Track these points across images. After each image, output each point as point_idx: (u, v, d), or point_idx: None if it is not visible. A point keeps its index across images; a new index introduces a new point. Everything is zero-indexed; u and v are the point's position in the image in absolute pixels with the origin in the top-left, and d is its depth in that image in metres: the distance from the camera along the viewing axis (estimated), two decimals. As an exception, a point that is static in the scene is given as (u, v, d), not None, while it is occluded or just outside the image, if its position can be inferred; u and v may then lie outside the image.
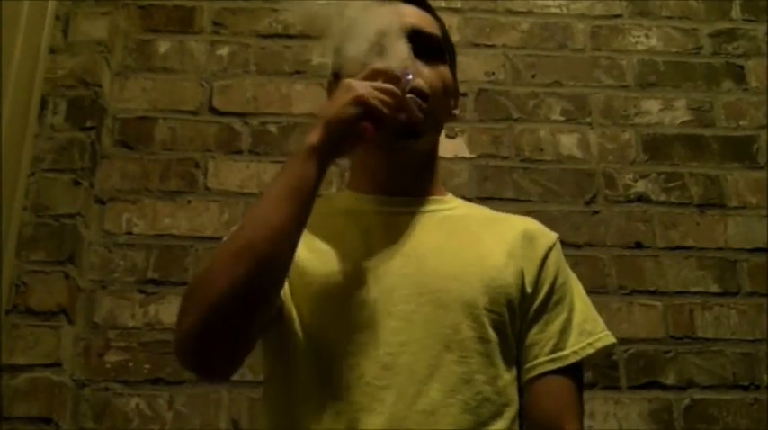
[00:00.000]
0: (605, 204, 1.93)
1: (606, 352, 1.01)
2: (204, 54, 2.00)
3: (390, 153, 1.02)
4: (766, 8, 2.17)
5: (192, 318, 0.84)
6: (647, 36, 2.13)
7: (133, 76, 1.97)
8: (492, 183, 1.93)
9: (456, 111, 1.12)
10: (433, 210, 1.05)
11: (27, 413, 1.55)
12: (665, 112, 2.05)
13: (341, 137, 0.92)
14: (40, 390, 1.57)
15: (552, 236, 1.06)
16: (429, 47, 1.04)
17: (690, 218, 1.94)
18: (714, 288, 1.87)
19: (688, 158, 2.00)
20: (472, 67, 2.00)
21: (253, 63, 2.00)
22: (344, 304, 0.94)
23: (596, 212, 1.92)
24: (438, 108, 1.03)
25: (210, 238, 1.81)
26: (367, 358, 0.91)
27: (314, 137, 0.91)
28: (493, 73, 2.04)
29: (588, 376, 1.11)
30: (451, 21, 2.01)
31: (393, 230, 1.01)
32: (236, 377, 1.67)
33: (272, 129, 1.94)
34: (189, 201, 1.85)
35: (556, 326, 0.99)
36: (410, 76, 0.95)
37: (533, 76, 2.05)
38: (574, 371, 0.98)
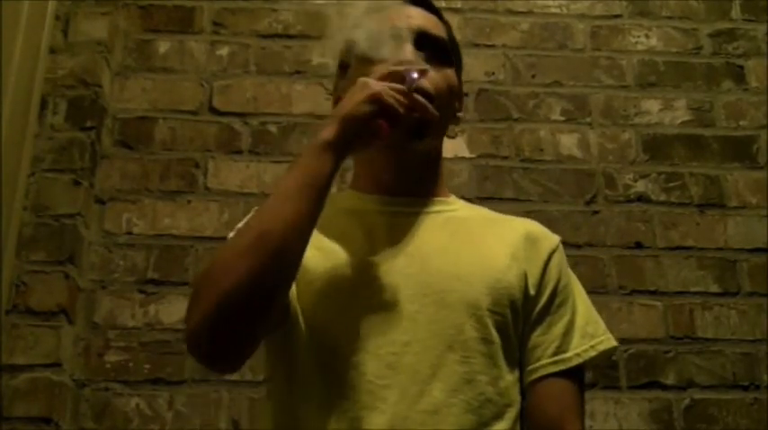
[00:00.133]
0: (605, 204, 1.93)
1: (608, 355, 1.02)
2: (204, 54, 2.00)
3: (395, 153, 1.02)
4: (766, 8, 2.17)
5: (204, 309, 0.84)
6: (647, 36, 2.13)
7: (133, 76, 1.97)
8: (492, 183, 1.93)
9: (460, 114, 1.12)
10: (437, 211, 1.05)
11: (27, 413, 1.55)
12: (665, 112, 2.05)
13: (355, 134, 0.92)
14: (40, 390, 1.57)
15: (555, 238, 1.06)
16: (435, 49, 1.04)
17: (690, 218, 1.94)
18: (714, 288, 1.87)
19: (688, 158, 2.00)
20: (472, 67, 2.00)
21: (253, 63, 2.00)
22: (348, 303, 0.95)
23: (596, 212, 1.92)
24: (443, 110, 1.03)
25: (210, 238, 1.81)
26: (370, 357, 0.91)
27: (328, 132, 0.91)
28: (493, 73, 2.04)
29: (588, 376, 1.11)
30: (452, 21, 1.99)
31: (397, 230, 1.01)
32: (236, 377, 1.69)
33: (272, 129, 1.94)
34: (189, 201, 1.85)
35: (559, 328, 0.99)
36: (415, 76, 0.95)
37: (533, 76, 2.05)
38: (576, 374, 0.99)
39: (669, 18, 2.15)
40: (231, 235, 0.99)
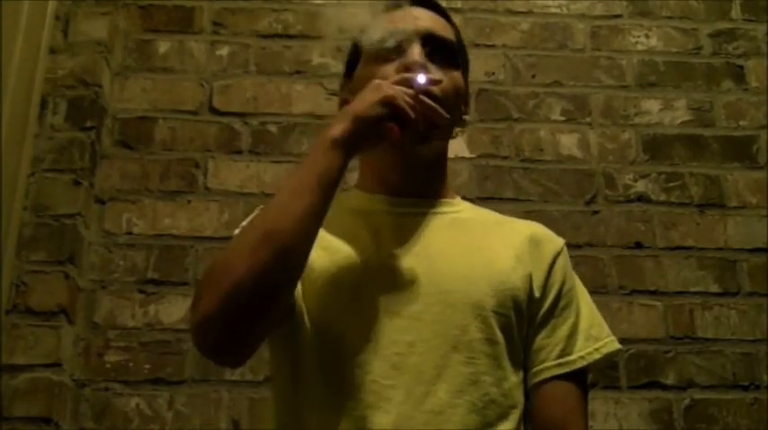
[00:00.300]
0: (605, 204, 1.93)
1: (611, 357, 1.02)
2: (204, 54, 2.00)
3: (402, 154, 1.02)
4: (766, 8, 2.17)
5: (212, 302, 0.84)
6: (647, 36, 2.13)
7: (133, 76, 1.97)
8: (492, 183, 1.93)
9: (466, 117, 1.12)
10: (443, 212, 1.06)
11: (27, 413, 1.55)
12: (665, 112, 2.05)
13: (365, 134, 0.92)
14: (40, 390, 1.57)
15: (559, 241, 1.06)
16: (442, 51, 1.04)
17: (690, 218, 1.94)
18: (714, 288, 1.87)
19: (688, 158, 2.00)
20: (472, 67, 1.98)
21: (253, 63, 2.00)
22: (353, 303, 0.95)
23: (596, 212, 1.92)
24: (450, 112, 1.02)
25: (210, 238, 1.81)
26: (375, 357, 0.91)
27: (338, 130, 0.91)
28: (493, 73, 2.04)
29: (588, 376, 1.12)
30: (451, 21, 2.01)
31: (403, 230, 1.01)
32: (236, 377, 1.69)
33: (272, 129, 1.94)
34: (189, 201, 1.85)
35: (563, 330, 0.99)
36: (423, 81, 0.95)
37: (533, 76, 2.05)
38: (580, 376, 0.99)
39: (669, 18, 2.15)
40: (237, 232, 0.99)
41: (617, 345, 1.02)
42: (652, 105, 2.05)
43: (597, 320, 1.03)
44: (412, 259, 0.97)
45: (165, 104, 1.94)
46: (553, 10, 2.13)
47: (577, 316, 1.01)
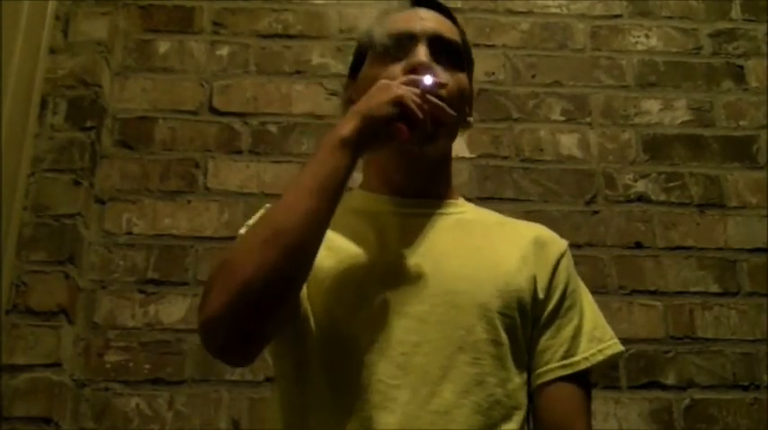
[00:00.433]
0: (605, 204, 1.93)
1: (614, 359, 1.02)
2: (204, 54, 2.00)
3: (407, 155, 1.02)
4: (766, 8, 2.17)
5: (220, 302, 0.84)
6: (647, 36, 2.13)
7: (133, 76, 1.97)
8: (492, 183, 1.93)
9: (470, 119, 1.12)
10: (448, 213, 1.06)
11: (27, 413, 1.55)
12: (665, 112, 2.05)
13: (374, 133, 0.92)
14: (40, 390, 1.57)
15: (563, 243, 1.07)
16: (448, 52, 1.05)
17: (690, 218, 1.94)
18: (714, 288, 1.87)
19: (688, 158, 2.00)
20: (472, 67, 2.00)
21: (253, 63, 2.00)
22: (359, 303, 0.95)
23: (596, 212, 1.92)
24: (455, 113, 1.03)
25: (210, 238, 1.81)
26: (381, 357, 0.91)
27: (346, 129, 0.91)
28: (493, 73, 2.04)
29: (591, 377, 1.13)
30: (451, 21, 2.01)
31: (408, 231, 1.01)
32: (236, 377, 1.69)
33: (272, 129, 1.94)
34: (189, 201, 1.85)
35: (567, 332, 0.99)
36: (430, 82, 0.96)
37: (533, 76, 2.05)
38: (583, 378, 0.99)
39: (669, 18, 2.15)
40: (242, 231, 1.00)
41: (620, 347, 1.03)
42: (652, 105, 2.05)
43: (600, 322, 1.04)
44: (417, 260, 0.98)
45: (165, 104, 1.94)
46: (553, 10, 2.13)
47: (581, 317, 1.01)
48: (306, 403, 0.93)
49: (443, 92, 0.98)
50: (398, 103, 0.91)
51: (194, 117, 1.94)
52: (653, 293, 1.85)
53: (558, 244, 1.06)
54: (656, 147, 2.01)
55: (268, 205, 1.03)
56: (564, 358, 0.98)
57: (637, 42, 2.12)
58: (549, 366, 0.98)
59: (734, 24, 2.15)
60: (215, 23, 2.04)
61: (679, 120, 2.04)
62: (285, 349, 0.97)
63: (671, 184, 1.97)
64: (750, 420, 1.75)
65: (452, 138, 1.09)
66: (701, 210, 1.95)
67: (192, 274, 1.78)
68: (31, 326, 1.62)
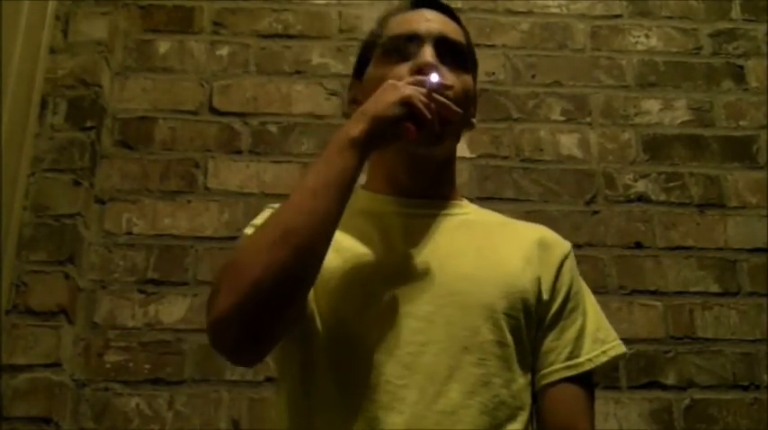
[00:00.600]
0: (605, 204, 1.93)
1: (617, 360, 1.03)
2: (204, 54, 2.00)
3: (412, 156, 1.03)
4: (766, 8, 2.17)
5: (229, 302, 0.85)
6: (647, 36, 2.13)
7: (133, 76, 1.97)
8: (492, 183, 1.93)
9: (474, 120, 1.13)
10: (452, 214, 1.06)
11: (27, 413, 1.55)
12: (665, 112, 2.05)
13: (382, 134, 0.92)
14: (40, 390, 1.57)
15: (567, 245, 1.07)
16: (453, 53, 1.05)
17: (690, 218, 1.94)
18: (714, 288, 1.87)
19: (688, 158, 2.00)
20: (472, 67, 2.00)
21: (253, 63, 2.00)
22: (365, 303, 0.95)
23: (596, 212, 1.92)
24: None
25: (210, 238, 1.81)
26: (388, 357, 0.91)
27: (355, 129, 0.91)
28: (493, 73, 2.04)
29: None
30: (451, 21, 2.01)
31: (413, 232, 1.01)
32: (236, 377, 1.69)
33: (272, 129, 1.94)
34: (189, 201, 1.85)
35: (571, 333, 1.00)
36: (435, 80, 0.96)
37: (533, 76, 2.05)
38: (587, 379, 1.00)
39: (669, 18, 2.15)
40: (247, 230, 1.00)
41: (623, 349, 1.03)
42: (652, 105, 2.05)
43: (603, 323, 1.04)
44: (423, 260, 0.98)
45: (165, 104, 1.94)
46: (553, 10, 2.13)
47: (584, 319, 1.02)
48: (312, 403, 0.93)
49: (449, 93, 0.98)
50: (406, 103, 0.92)
51: (194, 117, 1.94)
52: (653, 293, 1.85)
53: (562, 246, 1.07)
54: (656, 147, 2.01)
55: (272, 205, 1.03)
56: (568, 359, 0.98)
57: (637, 42, 2.12)
58: (554, 367, 0.98)
59: (734, 24, 2.15)
60: (215, 23, 2.04)
61: (679, 120, 2.04)
62: (291, 350, 0.97)
63: (671, 184, 1.97)
64: (750, 420, 1.75)
65: (457, 138, 1.09)
66: (700, 210, 1.95)
67: (192, 274, 1.78)
68: (31, 327, 1.62)
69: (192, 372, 1.70)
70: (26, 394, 1.57)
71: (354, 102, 1.09)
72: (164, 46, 2.00)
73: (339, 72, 2.00)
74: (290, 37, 2.04)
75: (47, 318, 1.63)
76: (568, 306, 1.01)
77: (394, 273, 0.97)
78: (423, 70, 0.99)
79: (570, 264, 1.05)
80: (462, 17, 1.14)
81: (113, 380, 1.68)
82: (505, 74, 2.05)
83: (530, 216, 1.80)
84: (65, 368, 1.63)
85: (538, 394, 0.98)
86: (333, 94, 1.98)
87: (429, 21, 1.06)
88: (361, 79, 1.10)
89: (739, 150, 2.02)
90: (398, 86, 0.94)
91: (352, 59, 1.95)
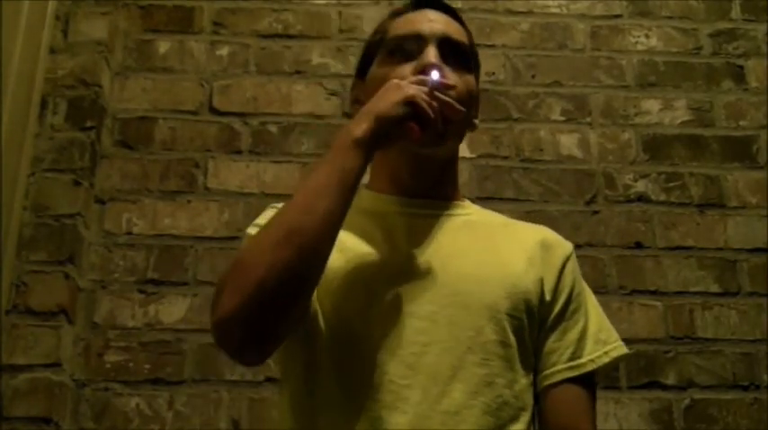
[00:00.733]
0: (605, 204, 1.93)
1: (619, 361, 1.03)
2: (204, 54, 2.00)
3: (415, 156, 1.03)
4: (766, 8, 2.17)
5: (234, 302, 0.85)
6: (647, 36, 2.13)
7: (133, 76, 1.97)
8: (492, 183, 1.93)
9: (476, 121, 1.13)
10: (455, 214, 1.06)
11: (27, 413, 1.55)
12: (665, 112, 2.05)
13: (386, 133, 0.92)
14: (40, 390, 1.57)
15: (569, 246, 1.08)
16: (456, 54, 1.05)
17: (690, 218, 1.94)
18: (714, 288, 1.87)
19: (688, 158, 2.00)
20: (472, 67, 2.00)
21: (253, 63, 2.00)
22: (369, 302, 0.95)
23: (596, 212, 1.92)
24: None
25: (210, 238, 1.81)
26: (392, 357, 0.92)
27: (359, 129, 0.91)
28: (493, 73, 2.04)
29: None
30: (451, 21, 2.01)
31: (416, 232, 1.02)
32: (236, 377, 1.69)
33: (272, 129, 1.94)
34: (189, 201, 1.85)
35: (573, 334, 1.00)
36: (436, 78, 0.96)
37: (533, 76, 2.05)
38: (589, 379, 1.00)
39: (669, 18, 2.15)
40: (250, 230, 1.00)
41: (625, 350, 1.03)
42: (652, 105, 2.05)
43: (605, 324, 1.05)
44: (426, 260, 0.98)
45: (165, 104, 1.94)
46: (553, 10, 2.13)
47: (586, 320, 1.02)
48: (315, 403, 0.93)
49: (452, 93, 0.98)
50: (410, 102, 0.92)
51: (194, 117, 1.94)
52: (653, 293, 1.85)
53: (564, 247, 1.07)
54: (656, 147, 2.01)
55: (275, 204, 1.03)
56: (570, 360, 0.99)
57: (637, 42, 2.12)
58: (556, 368, 0.98)
59: (734, 24, 2.15)
60: (215, 23, 2.04)
61: (679, 120, 2.04)
62: (294, 350, 0.97)
63: (671, 184, 1.97)
64: (750, 420, 1.75)
65: (460, 138, 1.09)
66: (701, 210, 1.95)
67: (192, 274, 1.78)
68: (31, 327, 1.62)
69: (192, 372, 1.70)
70: (26, 394, 1.57)
71: (357, 102, 1.09)
72: (164, 46, 2.00)
73: (339, 72, 2.00)
74: (290, 37, 2.04)
75: (47, 318, 1.63)
76: (571, 307, 1.01)
77: (397, 272, 0.97)
78: (426, 70, 0.99)
79: (572, 265, 1.05)
80: (462, 17, 1.14)
81: (113, 380, 1.68)
82: (505, 74, 2.05)
83: (530, 216, 1.81)
84: (65, 368, 1.63)
85: (540, 395, 0.98)
86: (333, 93, 1.98)
87: (432, 21, 1.06)
88: (363, 79, 1.10)
89: (739, 150, 2.02)
90: (402, 86, 0.94)
91: (353, 59, 1.98)
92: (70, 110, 1.82)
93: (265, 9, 2.06)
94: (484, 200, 1.83)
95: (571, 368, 0.98)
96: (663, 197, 1.95)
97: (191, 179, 1.88)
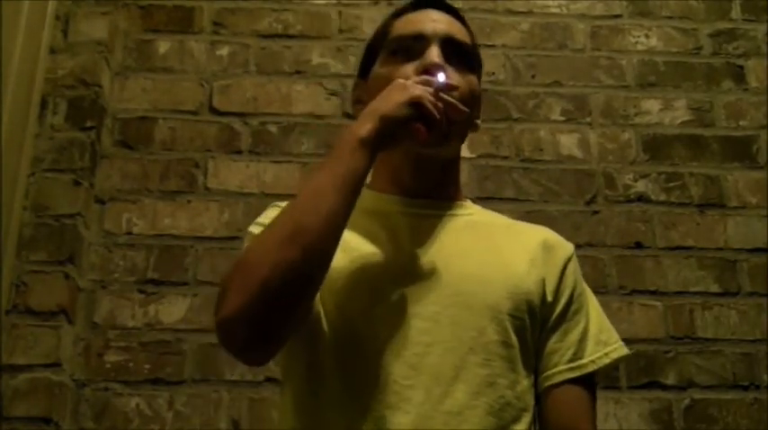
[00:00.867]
0: (605, 204, 1.93)
1: (620, 362, 1.03)
2: (204, 54, 2.00)
3: (417, 156, 1.03)
4: (766, 8, 2.17)
5: (238, 301, 0.84)
6: (647, 36, 2.13)
7: (133, 76, 1.97)
8: (492, 183, 1.93)
9: (478, 122, 1.13)
10: (457, 215, 1.07)
11: (27, 413, 1.55)
12: (665, 112, 2.05)
13: (392, 134, 0.92)
14: (40, 390, 1.57)
15: (570, 247, 1.08)
16: (459, 54, 1.05)
17: (690, 218, 1.94)
18: (714, 288, 1.87)
19: (688, 158, 2.00)
20: (472, 67, 2.00)
21: (253, 63, 2.00)
22: (372, 302, 0.95)
23: (596, 212, 1.92)
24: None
25: (210, 238, 1.81)
26: (395, 357, 0.92)
27: (364, 129, 0.91)
28: (493, 73, 2.04)
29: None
30: (451, 21, 2.01)
31: (419, 232, 1.02)
32: (236, 377, 1.69)
33: (272, 129, 1.94)
34: (189, 201, 1.85)
35: (575, 335, 1.00)
36: (441, 80, 0.96)
37: (533, 76, 2.05)
38: (589, 380, 1.00)
39: (669, 18, 2.15)
40: (253, 229, 1.00)
41: (626, 351, 1.04)
42: (652, 105, 2.05)
43: (606, 325, 1.05)
44: (429, 261, 0.98)
45: (165, 104, 1.94)
46: (553, 10, 2.13)
47: (587, 321, 1.02)
48: (318, 403, 0.93)
49: (455, 93, 0.98)
50: (416, 103, 0.92)
51: (194, 117, 1.94)
52: (653, 293, 1.85)
53: (566, 248, 1.07)
54: (656, 147, 2.01)
55: (277, 203, 1.03)
56: (571, 361, 0.99)
57: (637, 42, 2.12)
58: (558, 369, 0.98)
59: (734, 24, 2.15)
60: (215, 23, 2.04)
61: (679, 120, 2.04)
62: (297, 350, 0.97)
63: (671, 184, 1.97)
64: (750, 420, 1.75)
65: (463, 139, 1.09)
66: (701, 210, 1.95)
67: (192, 274, 1.78)
68: (31, 326, 1.62)
69: (192, 372, 1.70)
70: (26, 394, 1.57)
71: (359, 102, 1.09)
72: (164, 46, 2.00)
73: (339, 72, 2.00)
74: (290, 37, 2.04)
75: (47, 318, 1.63)
76: (572, 308, 1.02)
77: (401, 273, 0.97)
78: (429, 70, 0.99)
79: (573, 266, 1.05)
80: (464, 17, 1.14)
81: (113, 380, 1.68)
82: (505, 74, 2.05)
83: (530, 216, 1.81)
84: (65, 368, 1.63)
85: (541, 395, 0.98)
86: (333, 94, 1.98)
87: (435, 21, 1.06)
88: (365, 79, 1.10)
89: (739, 150, 2.02)
90: (407, 86, 0.93)
91: (353, 59, 1.98)
92: (70, 110, 1.82)
93: (265, 9, 2.06)
94: (484, 200, 1.83)
95: (572, 369, 0.98)
96: (663, 197, 1.95)
97: (191, 179, 1.88)
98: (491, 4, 2.12)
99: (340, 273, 0.96)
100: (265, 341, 0.88)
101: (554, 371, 0.98)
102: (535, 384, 0.99)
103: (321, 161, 0.93)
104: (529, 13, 2.12)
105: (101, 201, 1.84)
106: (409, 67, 1.02)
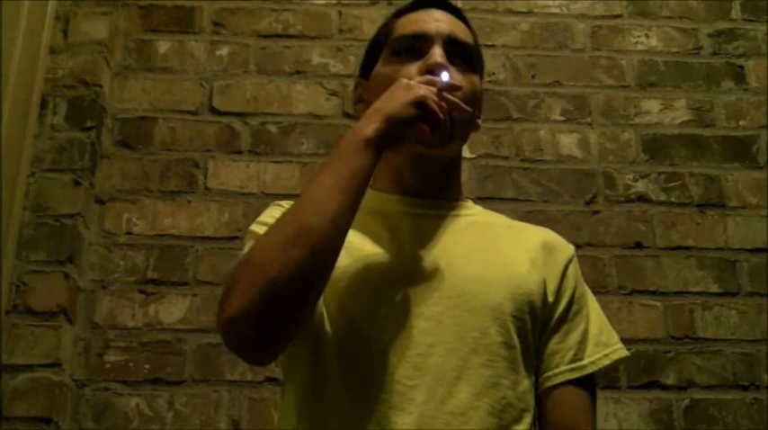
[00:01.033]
0: (605, 204, 1.93)
1: (620, 364, 1.03)
2: (204, 54, 2.00)
3: (419, 156, 1.03)
4: (766, 8, 2.17)
5: (244, 300, 0.84)
6: (647, 36, 2.13)
7: (133, 76, 1.97)
8: (492, 183, 1.93)
9: (479, 122, 1.13)
10: (459, 215, 1.07)
11: (27, 413, 1.55)
12: (665, 112, 2.05)
13: (396, 134, 0.92)
14: (40, 390, 1.57)
15: (571, 248, 1.08)
16: (462, 54, 1.05)
17: (690, 218, 1.94)
18: (714, 288, 1.87)
19: (688, 158, 2.00)
20: (472, 67, 2.00)
21: (253, 63, 2.00)
22: (375, 303, 0.95)
23: (596, 212, 1.92)
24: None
25: (210, 238, 1.81)
26: (398, 357, 0.92)
27: (369, 129, 0.91)
28: (493, 73, 2.04)
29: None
30: (451, 21, 2.01)
31: (422, 232, 1.02)
32: (236, 377, 1.69)
33: (272, 129, 1.94)
34: (189, 201, 1.85)
35: (575, 336, 1.00)
36: (445, 80, 0.96)
37: (533, 76, 2.05)
38: (589, 381, 1.00)
39: (669, 18, 2.15)
40: (255, 228, 1.00)
41: (626, 352, 1.04)
42: (652, 105, 2.05)
43: (606, 327, 1.05)
44: (432, 261, 0.98)
45: (165, 104, 1.94)
46: (553, 10, 2.13)
47: (588, 322, 1.02)
48: (321, 404, 0.93)
49: (458, 93, 0.98)
50: (421, 103, 0.92)
51: (194, 117, 1.94)
52: (653, 293, 1.85)
53: (567, 249, 1.07)
54: (656, 147, 2.01)
55: (279, 202, 1.03)
56: (572, 362, 0.99)
57: (637, 42, 2.12)
58: (558, 369, 0.98)
59: (734, 24, 2.15)
60: (215, 23, 2.04)
61: (679, 120, 2.04)
62: (299, 350, 0.96)
63: (671, 184, 1.97)
64: (750, 420, 1.75)
65: (465, 139, 1.09)
66: (701, 210, 1.95)
67: (192, 274, 1.78)
68: (31, 326, 1.62)
69: (192, 372, 1.70)
70: (26, 394, 1.57)
71: (361, 101, 1.09)
72: (164, 46, 2.00)
73: (339, 72, 2.00)
74: (290, 37, 2.04)
75: (47, 318, 1.63)
76: (573, 309, 1.02)
77: (404, 273, 0.97)
78: (433, 70, 0.99)
79: (574, 267, 1.05)
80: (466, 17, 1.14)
81: (113, 380, 1.68)
82: (505, 74, 2.05)
83: (530, 216, 1.81)
84: (65, 368, 1.63)
85: (541, 396, 0.98)
86: (333, 94, 1.98)
87: (438, 21, 1.06)
88: (367, 79, 1.10)
89: (739, 150, 2.02)
90: (412, 86, 0.93)
91: (353, 59, 1.98)
92: (70, 110, 1.82)
93: (265, 9, 2.06)
94: (484, 200, 1.83)
95: (572, 370, 0.99)
96: (663, 197, 1.95)
97: (191, 179, 1.88)
98: (491, 4, 2.12)
99: (343, 272, 0.95)
100: (271, 341, 0.88)
101: (555, 371, 0.98)
102: (535, 385, 0.99)
103: (325, 161, 0.93)
104: (529, 13, 2.12)
105: (101, 201, 1.84)
106: (412, 67, 1.01)
